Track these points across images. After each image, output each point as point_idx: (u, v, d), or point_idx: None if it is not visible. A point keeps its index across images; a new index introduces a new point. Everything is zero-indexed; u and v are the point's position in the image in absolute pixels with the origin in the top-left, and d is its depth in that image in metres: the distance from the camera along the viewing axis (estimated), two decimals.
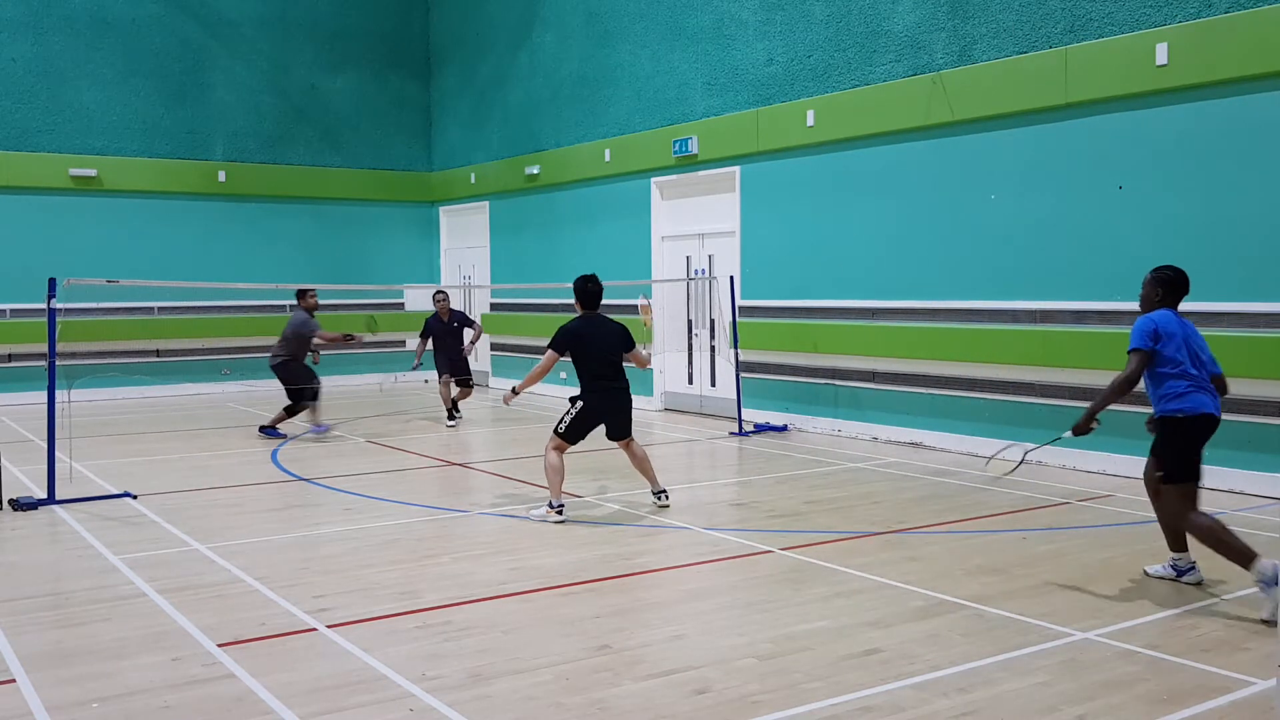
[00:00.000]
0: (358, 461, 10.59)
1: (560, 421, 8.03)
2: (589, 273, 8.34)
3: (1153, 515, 7.81)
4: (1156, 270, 6.07)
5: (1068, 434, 6.12)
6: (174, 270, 16.57)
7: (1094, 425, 5.97)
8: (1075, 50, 9.67)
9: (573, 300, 8.30)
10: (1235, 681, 4.53)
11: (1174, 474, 5.78)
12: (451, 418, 13.41)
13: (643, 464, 8.32)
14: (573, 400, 8.07)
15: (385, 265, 19.13)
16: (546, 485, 8.05)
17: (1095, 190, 9.63)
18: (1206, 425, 5.77)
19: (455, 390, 13.44)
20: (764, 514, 8.06)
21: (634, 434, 8.25)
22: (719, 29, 13.46)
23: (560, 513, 7.89)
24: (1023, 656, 4.87)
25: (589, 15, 15.74)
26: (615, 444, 8.34)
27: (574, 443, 8.09)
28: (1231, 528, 5.83)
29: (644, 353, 8.35)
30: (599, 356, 8.03)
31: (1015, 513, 8.01)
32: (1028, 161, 10.16)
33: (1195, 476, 5.79)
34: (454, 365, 13.46)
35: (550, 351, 7.96)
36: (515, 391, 8.07)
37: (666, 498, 8.31)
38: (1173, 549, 6.11)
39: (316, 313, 12.50)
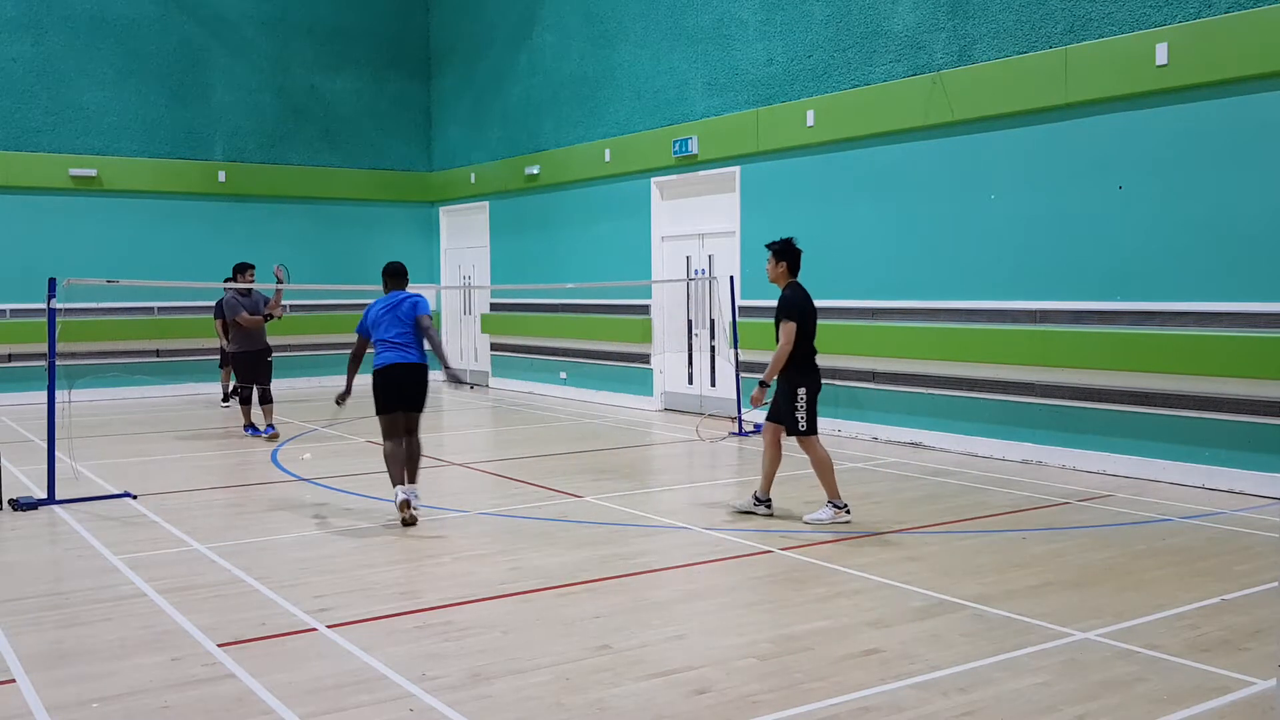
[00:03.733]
0: (358, 461, 10.59)
1: (797, 421, 7.52)
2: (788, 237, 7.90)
3: (1152, 515, 7.85)
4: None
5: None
6: (174, 270, 16.54)
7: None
8: (1075, 50, 9.67)
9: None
10: (1235, 681, 4.53)
11: None
12: (227, 399, 15.04)
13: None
14: (795, 389, 7.53)
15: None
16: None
17: (1095, 190, 9.63)
18: None
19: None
20: (764, 514, 8.05)
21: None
22: (719, 29, 13.46)
23: (847, 511, 7.59)
24: (1023, 656, 4.86)
25: (589, 15, 15.73)
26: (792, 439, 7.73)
27: (816, 431, 7.66)
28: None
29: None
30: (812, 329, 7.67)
31: (1015, 513, 8.01)
32: (1028, 161, 10.16)
33: None
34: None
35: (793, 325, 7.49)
36: (764, 385, 7.61)
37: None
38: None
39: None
